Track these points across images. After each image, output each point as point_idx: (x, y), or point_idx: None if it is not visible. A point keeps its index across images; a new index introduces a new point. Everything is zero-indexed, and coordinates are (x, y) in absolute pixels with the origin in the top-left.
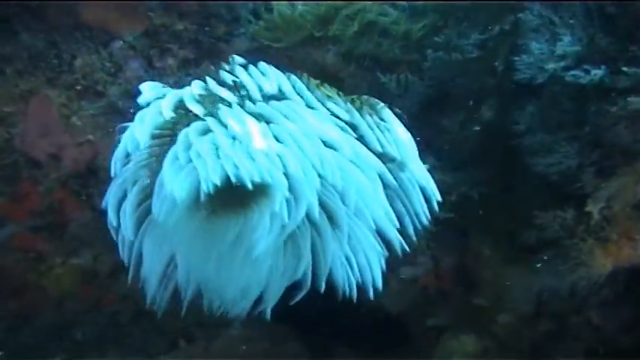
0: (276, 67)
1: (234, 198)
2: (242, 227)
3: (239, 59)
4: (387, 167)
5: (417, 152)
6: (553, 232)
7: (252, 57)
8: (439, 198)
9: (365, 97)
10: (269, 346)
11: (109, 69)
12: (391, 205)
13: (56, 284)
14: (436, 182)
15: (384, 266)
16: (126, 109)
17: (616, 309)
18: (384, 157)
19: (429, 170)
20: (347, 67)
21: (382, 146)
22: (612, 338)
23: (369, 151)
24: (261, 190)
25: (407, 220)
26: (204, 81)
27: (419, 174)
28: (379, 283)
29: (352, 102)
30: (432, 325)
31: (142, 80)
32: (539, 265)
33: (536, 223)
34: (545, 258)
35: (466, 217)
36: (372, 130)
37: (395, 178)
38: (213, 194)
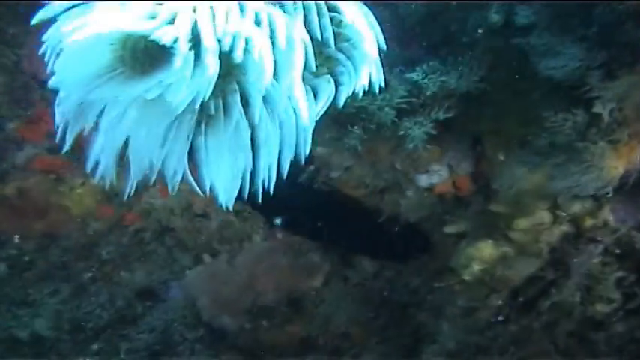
0: None
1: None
2: (156, 83)
3: None
4: (338, 47)
5: (373, 35)
6: (564, 135)
7: None
8: (382, 81)
9: None
10: (291, 257)
11: None
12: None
13: (78, 204)
14: (437, 83)
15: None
16: None
17: (630, 211)
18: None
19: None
20: None
21: (312, 25)
22: (628, 239)
23: (285, 24)
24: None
25: (345, 79)
26: None
27: (368, 50)
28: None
29: None
30: (450, 233)
31: None
32: (552, 169)
33: (547, 126)
34: (558, 162)
35: (476, 121)
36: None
37: (349, 57)
38: (127, 66)
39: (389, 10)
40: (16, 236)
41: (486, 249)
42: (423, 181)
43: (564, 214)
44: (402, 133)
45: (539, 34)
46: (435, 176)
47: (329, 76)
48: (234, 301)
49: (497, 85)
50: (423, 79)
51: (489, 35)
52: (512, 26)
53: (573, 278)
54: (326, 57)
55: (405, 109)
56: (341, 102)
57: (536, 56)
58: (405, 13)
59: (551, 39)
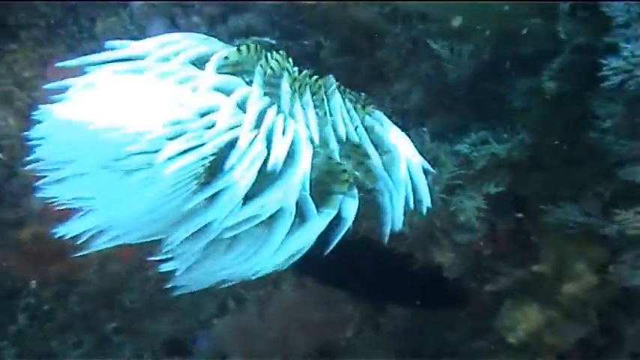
0: None
1: None
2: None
3: None
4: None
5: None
6: (634, 229)
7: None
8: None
9: (332, 80)
10: (323, 310)
11: (132, 31)
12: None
13: None
14: (487, 157)
15: None
16: None
17: None
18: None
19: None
20: (391, 27)
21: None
22: None
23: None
24: None
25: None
26: None
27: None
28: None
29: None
30: (491, 291)
31: None
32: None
33: (616, 220)
34: (629, 257)
35: (522, 184)
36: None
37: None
38: None
39: (431, 68)
40: (33, 282)
41: (532, 313)
42: (461, 236)
43: (614, 280)
44: (452, 208)
45: (616, 135)
46: (475, 234)
47: (354, 194)
48: (267, 356)
49: (548, 151)
50: (471, 152)
51: (541, 103)
52: (567, 96)
53: (626, 347)
54: (367, 170)
55: (454, 184)
56: (386, 236)
57: (611, 157)
58: (451, 76)
59: (632, 145)
